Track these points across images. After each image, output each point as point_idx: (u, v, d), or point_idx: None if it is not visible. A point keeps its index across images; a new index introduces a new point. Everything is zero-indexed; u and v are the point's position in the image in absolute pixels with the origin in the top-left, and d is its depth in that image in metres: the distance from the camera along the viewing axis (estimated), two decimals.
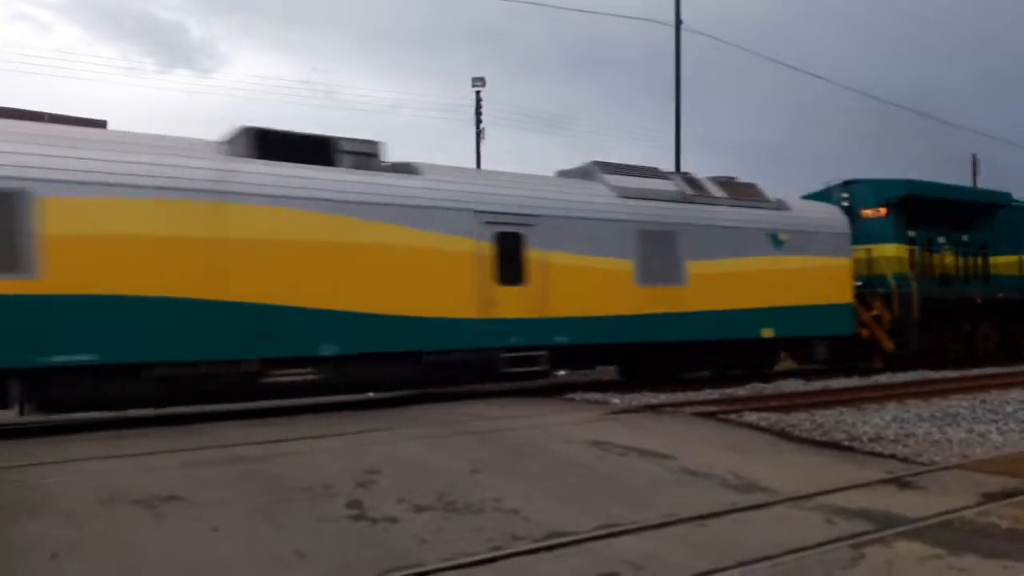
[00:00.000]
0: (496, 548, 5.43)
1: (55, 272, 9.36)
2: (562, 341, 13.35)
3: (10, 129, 9.61)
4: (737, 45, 65.07)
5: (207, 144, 11.09)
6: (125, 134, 10.79)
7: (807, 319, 16.12)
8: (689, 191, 15.26)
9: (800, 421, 10.91)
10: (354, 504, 6.32)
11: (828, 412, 11.77)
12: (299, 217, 10.95)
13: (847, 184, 19.26)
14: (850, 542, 5.66)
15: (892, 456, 8.82)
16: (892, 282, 18.11)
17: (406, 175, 12.26)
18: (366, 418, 10.67)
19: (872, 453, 9.04)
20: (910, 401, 13.02)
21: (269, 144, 11.08)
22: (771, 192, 16.66)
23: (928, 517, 6.25)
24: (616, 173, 14.72)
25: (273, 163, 11.00)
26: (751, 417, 11.16)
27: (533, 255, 13.08)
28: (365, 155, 12.00)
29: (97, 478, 6.95)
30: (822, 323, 16.43)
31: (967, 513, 6.41)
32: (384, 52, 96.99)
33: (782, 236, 15.93)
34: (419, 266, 11.93)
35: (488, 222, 12.62)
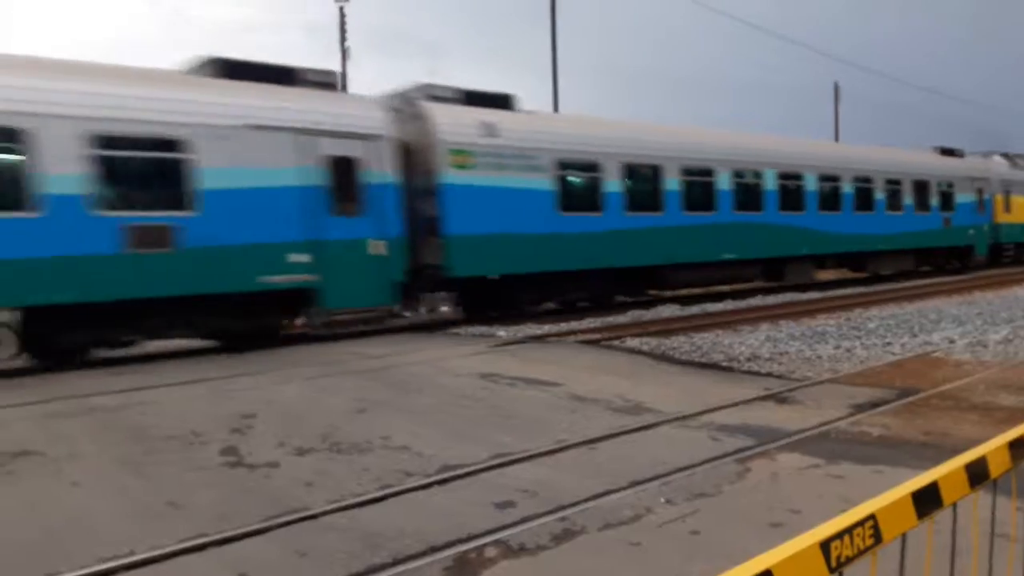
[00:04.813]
0: (386, 486, 5.20)
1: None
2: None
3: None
4: None
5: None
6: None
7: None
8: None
9: (680, 344, 11.19)
10: (229, 451, 5.92)
11: (706, 335, 12.14)
12: None
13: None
14: (735, 457, 5.78)
15: (768, 374, 9.16)
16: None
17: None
18: (235, 362, 10.13)
19: (749, 372, 9.37)
20: (782, 322, 13.63)
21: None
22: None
23: (806, 430, 6.50)
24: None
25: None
26: (633, 343, 11.35)
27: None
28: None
29: None
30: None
31: (841, 424, 6.70)
32: None
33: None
34: None
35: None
